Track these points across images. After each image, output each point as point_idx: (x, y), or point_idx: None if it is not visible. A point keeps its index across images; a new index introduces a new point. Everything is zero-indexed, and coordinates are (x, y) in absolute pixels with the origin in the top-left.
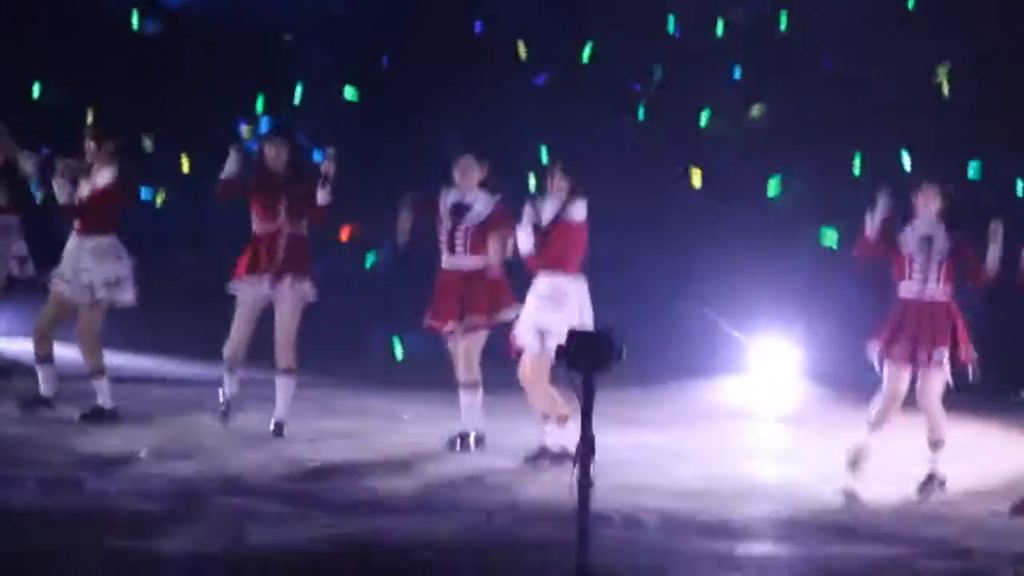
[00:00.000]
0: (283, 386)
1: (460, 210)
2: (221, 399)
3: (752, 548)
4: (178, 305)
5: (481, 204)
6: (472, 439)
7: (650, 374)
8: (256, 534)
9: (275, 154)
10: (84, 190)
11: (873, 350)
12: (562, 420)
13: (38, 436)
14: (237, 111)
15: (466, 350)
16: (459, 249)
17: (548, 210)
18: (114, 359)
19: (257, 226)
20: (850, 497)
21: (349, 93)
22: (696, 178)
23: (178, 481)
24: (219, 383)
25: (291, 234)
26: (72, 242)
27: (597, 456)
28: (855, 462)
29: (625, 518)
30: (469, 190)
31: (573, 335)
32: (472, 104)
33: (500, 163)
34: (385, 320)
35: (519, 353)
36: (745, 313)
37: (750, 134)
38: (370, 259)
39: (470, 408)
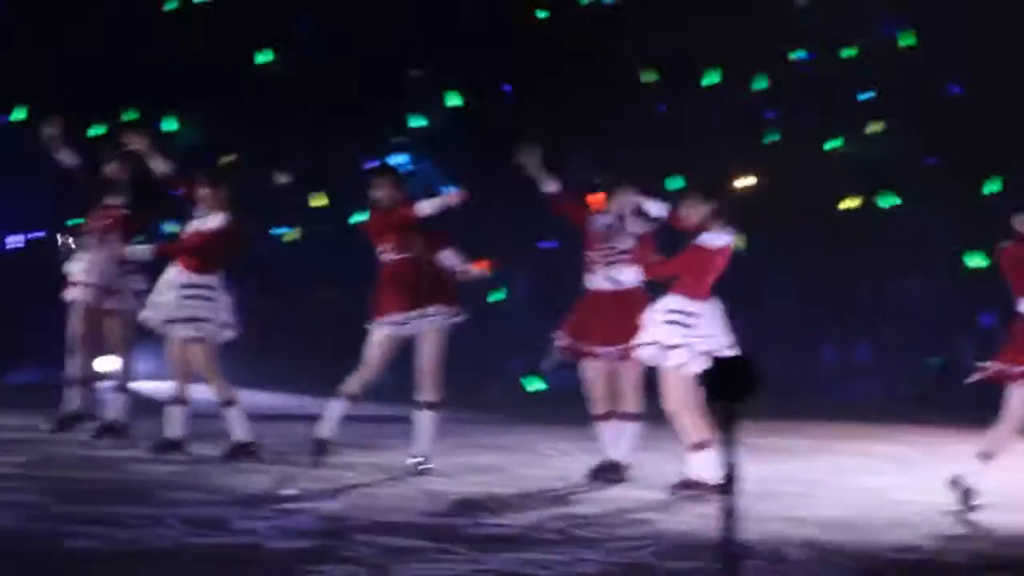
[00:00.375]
0: (426, 420)
1: (611, 230)
2: (327, 434)
3: None
4: (317, 341)
5: (637, 226)
6: (621, 471)
7: (792, 404)
8: (401, 570)
9: (383, 192)
10: (192, 228)
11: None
12: (700, 447)
13: (182, 475)
14: (370, 148)
15: (628, 377)
16: (611, 270)
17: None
18: (257, 397)
19: (391, 258)
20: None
21: (452, 99)
22: (848, 203)
23: (323, 518)
24: (356, 419)
25: (429, 262)
26: (170, 277)
27: (742, 487)
28: (968, 491)
29: (771, 550)
30: (617, 211)
31: (716, 363)
32: (596, 129)
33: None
34: (522, 352)
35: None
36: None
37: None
38: (496, 295)
39: (625, 438)
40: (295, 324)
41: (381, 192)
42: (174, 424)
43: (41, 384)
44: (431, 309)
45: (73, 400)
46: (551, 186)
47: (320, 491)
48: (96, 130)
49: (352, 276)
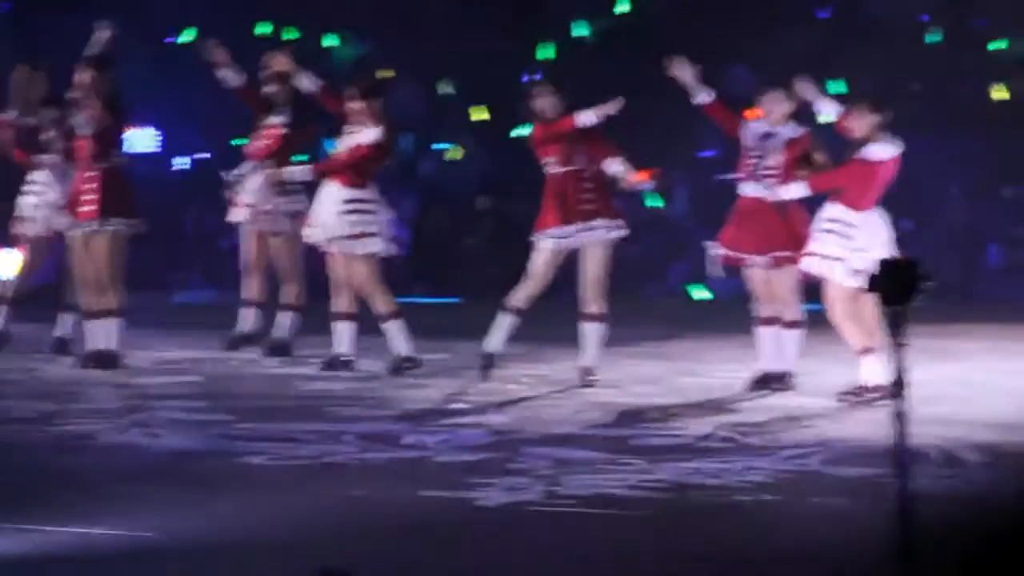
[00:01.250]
0: (593, 332)
1: (768, 139)
2: (494, 348)
3: None
4: (481, 253)
5: (790, 134)
6: (786, 380)
7: (960, 306)
8: (571, 481)
9: (546, 104)
10: (344, 144)
11: None
12: (867, 352)
13: (353, 392)
14: (520, 61)
15: (778, 285)
16: (765, 179)
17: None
18: (418, 312)
19: (554, 171)
20: None
21: (620, 5)
22: (1000, 93)
23: (492, 432)
24: (522, 331)
25: (593, 175)
26: (329, 194)
27: (912, 390)
28: None
29: (944, 454)
30: (777, 123)
31: (883, 265)
32: (753, 39)
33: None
34: (682, 262)
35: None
36: None
37: None
38: (652, 201)
39: (786, 346)
40: (459, 237)
41: (542, 103)
42: (343, 341)
43: (208, 304)
44: (594, 222)
45: (246, 321)
46: (704, 97)
47: (488, 404)
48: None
49: (515, 186)
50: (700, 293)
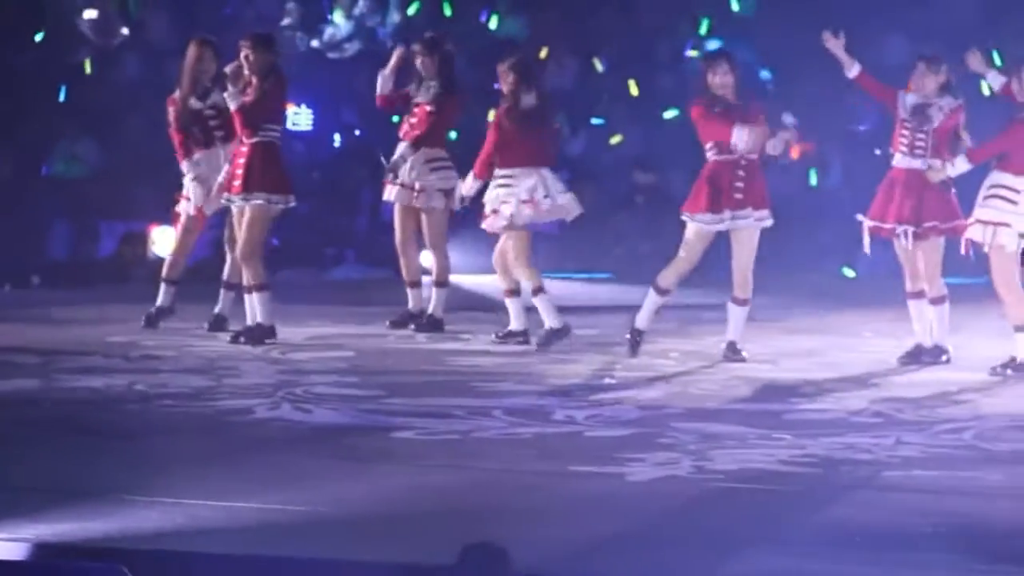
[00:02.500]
0: (738, 314)
1: (921, 111)
2: (643, 325)
3: None
4: (632, 229)
5: (945, 106)
6: (938, 354)
7: None
8: (722, 456)
9: (721, 82)
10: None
11: None
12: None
13: (503, 367)
14: (681, 34)
15: (929, 259)
16: (919, 151)
17: None
18: (571, 288)
19: (712, 158)
20: None
21: None
22: None
23: (641, 407)
24: (672, 307)
25: (748, 162)
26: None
27: None
28: None
29: None
30: (931, 95)
31: None
32: (910, 6)
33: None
34: (837, 238)
35: (968, 250)
36: None
37: None
38: (815, 176)
39: (936, 320)
40: (611, 213)
41: (719, 81)
42: (515, 315)
43: (363, 280)
44: (744, 211)
45: (411, 299)
46: (854, 70)
47: (637, 380)
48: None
49: (667, 162)
50: (848, 271)
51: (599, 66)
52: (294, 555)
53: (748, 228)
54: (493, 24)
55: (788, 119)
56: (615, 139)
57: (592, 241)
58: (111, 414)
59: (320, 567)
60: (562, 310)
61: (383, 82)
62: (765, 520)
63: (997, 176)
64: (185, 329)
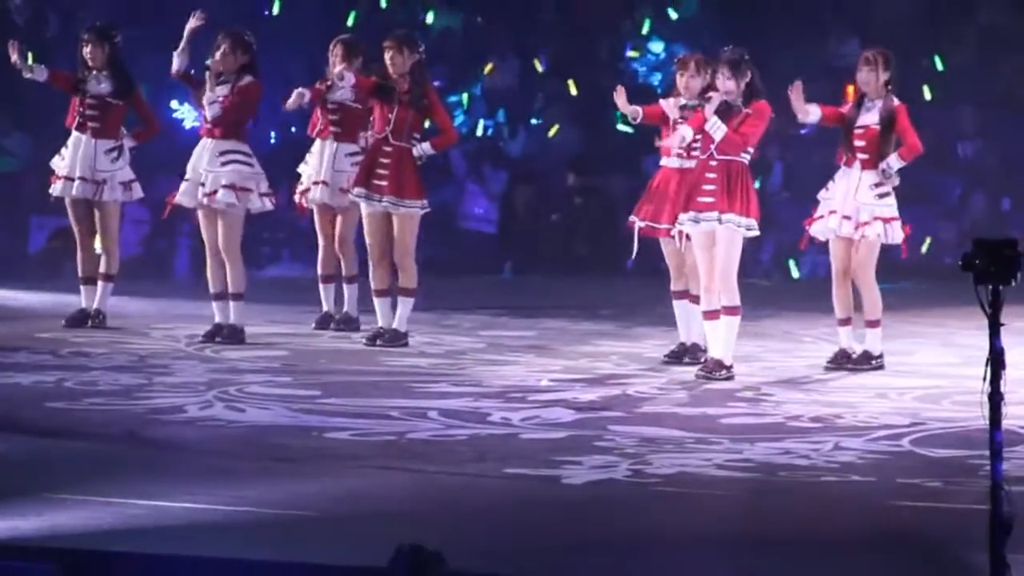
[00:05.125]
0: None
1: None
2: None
3: None
4: (566, 231)
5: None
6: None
7: None
8: (659, 460)
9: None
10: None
11: None
12: (877, 324)
13: (438, 368)
14: (621, 32)
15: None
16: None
17: None
18: (506, 289)
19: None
20: None
21: None
22: None
23: (579, 409)
24: (606, 309)
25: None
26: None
27: (1007, 371)
28: None
29: None
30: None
31: (979, 245)
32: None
33: None
34: (776, 237)
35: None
36: None
37: None
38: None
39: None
40: (548, 212)
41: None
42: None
43: (299, 279)
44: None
45: (328, 299)
46: (812, 118)
47: (574, 382)
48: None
49: (605, 164)
50: (795, 270)
51: (539, 66)
52: (224, 556)
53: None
54: (430, 19)
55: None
56: (552, 131)
57: (529, 243)
58: (39, 411)
59: (250, 568)
60: (503, 311)
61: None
62: (701, 524)
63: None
64: (117, 327)
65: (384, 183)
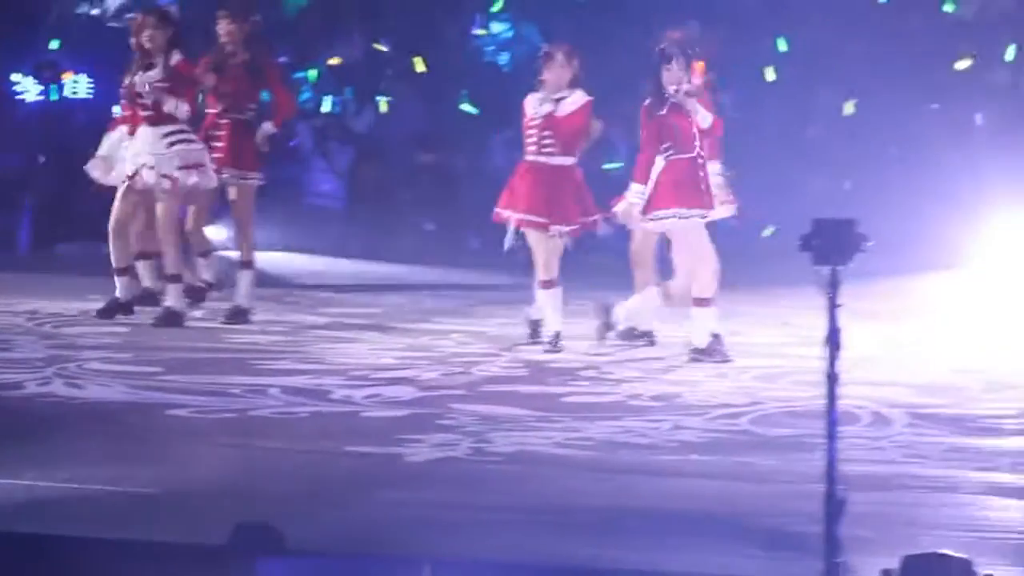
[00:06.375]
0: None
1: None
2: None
3: (1003, 443)
4: (412, 209)
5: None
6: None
7: (884, 267)
8: (499, 438)
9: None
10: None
11: None
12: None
13: (282, 345)
14: (468, 10)
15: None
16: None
17: None
18: (353, 266)
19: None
20: None
21: None
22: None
23: (421, 387)
24: (455, 288)
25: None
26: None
27: (844, 352)
28: None
29: (873, 415)
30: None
31: (818, 225)
32: None
33: None
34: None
35: None
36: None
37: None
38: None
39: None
40: (397, 189)
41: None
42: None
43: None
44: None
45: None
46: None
47: (417, 360)
48: None
49: (454, 140)
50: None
51: (382, 47)
52: (63, 534)
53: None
54: None
55: None
56: (383, 106)
57: (376, 220)
58: None
59: (90, 545)
60: (346, 288)
61: None
62: (540, 502)
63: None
64: None
65: (220, 155)
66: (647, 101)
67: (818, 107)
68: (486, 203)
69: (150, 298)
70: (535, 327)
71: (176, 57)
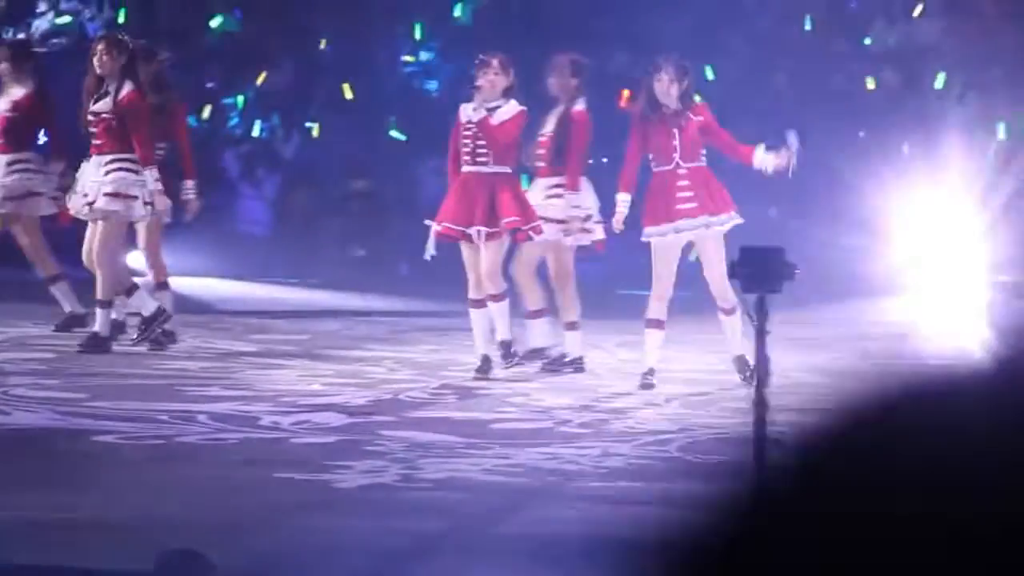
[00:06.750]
0: (730, 324)
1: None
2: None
3: None
4: (341, 236)
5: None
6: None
7: (809, 294)
8: (428, 465)
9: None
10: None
11: None
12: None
13: (210, 372)
14: (395, 38)
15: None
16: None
17: None
18: (282, 292)
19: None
20: None
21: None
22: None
23: (349, 414)
24: (382, 315)
25: (690, 169)
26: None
27: (773, 379)
28: None
29: (799, 442)
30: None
31: (746, 253)
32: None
33: None
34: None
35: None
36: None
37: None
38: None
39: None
40: (326, 216)
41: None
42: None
43: (78, 281)
44: (698, 219)
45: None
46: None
47: (345, 386)
48: None
49: (383, 167)
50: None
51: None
52: None
53: (710, 236)
54: (215, 23)
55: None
56: (315, 132)
57: (305, 247)
58: None
59: (14, 572)
60: (275, 315)
61: None
62: (470, 528)
63: None
64: None
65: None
66: (638, 111)
67: (744, 135)
68: (416, 230)
69: (77, 321)
70: (538, 354)
71: (127, 88)
